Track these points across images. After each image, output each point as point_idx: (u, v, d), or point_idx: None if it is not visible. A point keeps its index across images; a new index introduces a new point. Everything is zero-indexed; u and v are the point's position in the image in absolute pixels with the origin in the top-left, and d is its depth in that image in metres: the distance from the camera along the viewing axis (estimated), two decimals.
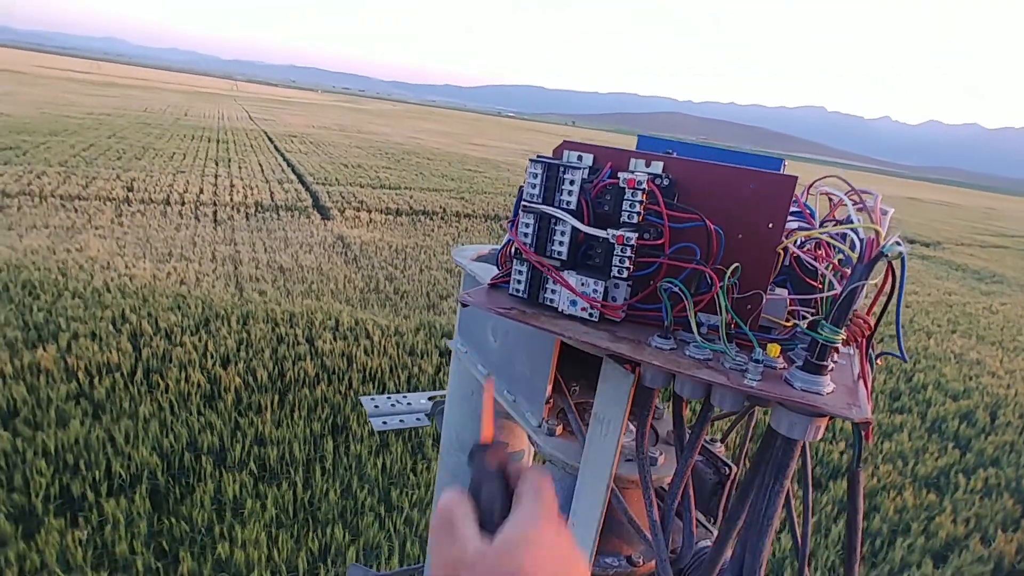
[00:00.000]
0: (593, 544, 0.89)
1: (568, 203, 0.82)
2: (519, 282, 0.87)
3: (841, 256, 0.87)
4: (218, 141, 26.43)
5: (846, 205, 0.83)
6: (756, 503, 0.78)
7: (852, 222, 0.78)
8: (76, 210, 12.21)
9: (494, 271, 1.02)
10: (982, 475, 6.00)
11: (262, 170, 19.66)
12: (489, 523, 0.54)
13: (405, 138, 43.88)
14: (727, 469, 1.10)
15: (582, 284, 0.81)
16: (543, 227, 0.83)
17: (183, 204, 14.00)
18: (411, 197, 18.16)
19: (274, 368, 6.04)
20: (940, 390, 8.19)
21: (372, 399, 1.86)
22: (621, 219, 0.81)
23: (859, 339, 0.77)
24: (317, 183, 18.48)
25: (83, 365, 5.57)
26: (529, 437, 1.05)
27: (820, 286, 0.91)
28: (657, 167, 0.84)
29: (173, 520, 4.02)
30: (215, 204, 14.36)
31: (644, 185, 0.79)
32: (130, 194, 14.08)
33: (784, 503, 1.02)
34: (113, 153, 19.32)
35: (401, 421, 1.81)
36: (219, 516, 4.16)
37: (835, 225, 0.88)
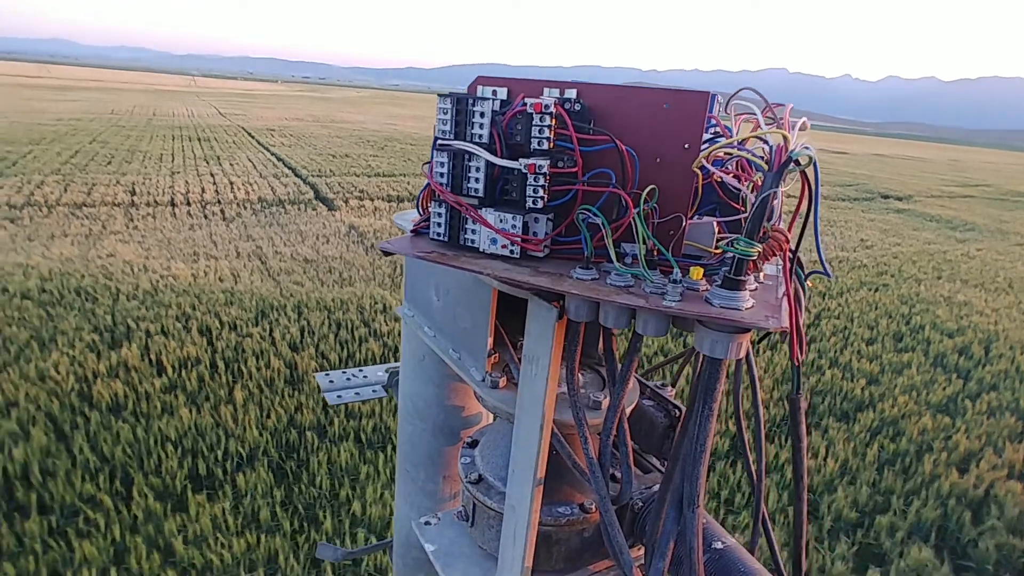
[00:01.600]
0: (533, 490, 0.85)
1: (480, 136, 0.79)
2: (439, 224, 0.84)
3: (760, 175, 0.80)
4: (199, 139, 26.15)
5: (759, 121, 0.80)
6: (690, 430, 0.77)
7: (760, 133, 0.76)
8: (87, 217, 12.28)
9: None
10: (986, 399, 6.73)
11: (254, 166, 19.66)
12: None
13: (381, 124, 43.60)
14: (677, 411, 1.09)
15: (500, 220, 0.78)
16: (457, 165, 0.81)
17: (189, 204, 14.10)
18: (408, 183, 18.40)
19: (342, 350, 6.46)
20: (936, 330, 8.94)
21: (327, 375, 1.83)
22: (532, 147, 0.78)
23: (779, 253, 0.74)
24: (313, 175, 18.58)
25: (168, 360, 5.92)
26: (475, 393, 1.01)
27: (743, 208, 0.88)
28: (570, 93, 0.81)
29: (301, 487, 4.48)
30: (219, 203, 14.47)
31: (552, 109, 0.76)
32: (134, 198, 14.12)
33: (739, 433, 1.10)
34: (101, 158, 19.13)
35: (356, 394, 1.77)
36: (339, 482, 4.62)
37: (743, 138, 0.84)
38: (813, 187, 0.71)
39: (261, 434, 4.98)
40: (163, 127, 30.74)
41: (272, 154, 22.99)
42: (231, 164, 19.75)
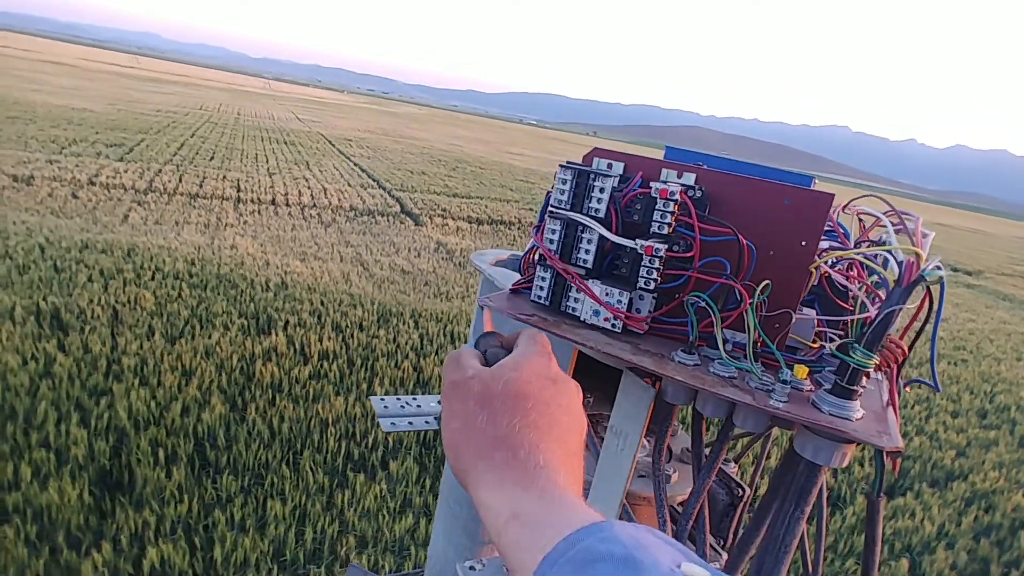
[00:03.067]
0: None
1: (597, 211, 0.80)
2: (541, 288, 0.85)
3: (876, 278, 0.81)
4: (285, 143, 27.68)
5: (884, 226, 0.81)
6: (774, 528, 0.75)
7: (889, 244, 0.75)
8: (203, 208, 13.33)
9: (513, 276, 0.99)
10: None
11: (340, 174, 20.77)
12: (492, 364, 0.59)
13: (447, 144, 45.02)
14: (740, 491, 1.07)
15: (607, 294, 0.79)
16: (569, 234, 0.82)
17: (288, 205, 15.09)
18: (485, 207, 19.16)
19: None
20: (1022, 411, 8.97)
21: (381, 399, 1.83)
22: (651, 230, 0.79)
23: (891, 365, 0.73)
24: (396, 189, 19.54)
25: (310, 350, 6.57)
26: None
27: (851, 308, 0.86)
28: (689, 178, 0.82)
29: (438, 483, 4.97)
30: (315, 207, 15.43)
31: (677, 196, 0.78)
32: (240, 194, 15.20)
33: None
34: (204, 153, 20.55)
35: (410, 424, 1.77)
36: None
37: (871, 246, 0.84)
38: (937, 305, 0.73)
39: None
40: (250, 127, 32.59)
41: (355, 164, 24.19)
42: (320, 170, 20.92)
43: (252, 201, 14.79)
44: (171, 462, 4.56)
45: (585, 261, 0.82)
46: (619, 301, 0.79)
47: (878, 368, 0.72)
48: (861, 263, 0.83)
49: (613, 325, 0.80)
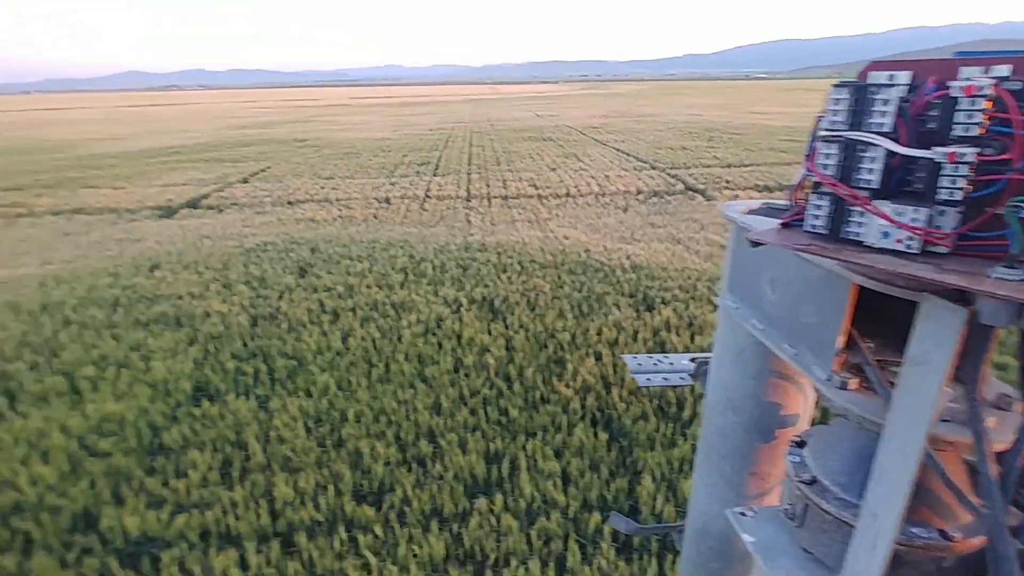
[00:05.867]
0: (903, 502, 0.79)
1: (881, 125, 0.75)
2: (817, 217, 0.79)
3: None
4: (543, 139, 29.72)
5: None
6: None
7: None
8: (517, 207, 15.09)
9: (770, 223, 0.95)
10: None
11: (609, 162, 21.65)
12: None
13: (686, 116, 43.64)
14: None
15: (899, 213, 0.73)
16: (849, 156, 0.76)
17: (582, 196, 16.26)
18: (764, 173, 18.27)
19: None
20: None
21: (635, 357, 1.89)
22: (953, 134, 0.72)
23: None
24: (669, 168, 19.70)
25: (698, 323, 7.11)
26: (817, 390, 0.95)
27: None
28: (1001, 70, 0.72)
29: None
30: (605, 194, 16.38)
31: (988, 91, 0.70)
32: (539, 191, 16.85)
33: None
34: (490, 158, 23.17)
35: (665, 379, 1.79)
36: None
37: None
38: None
39: None
40: (505, 130, 35.65)
41: (616, 149, 24.95)
42: (589, 160, 22.07)
43: (551, 196, 16.29)
44: (643, 417, 5.40)
45: (869, 182, 0.75)
46: (914, 219, 0.71)
47: None
48: None
49: (908, 246, 0.72)
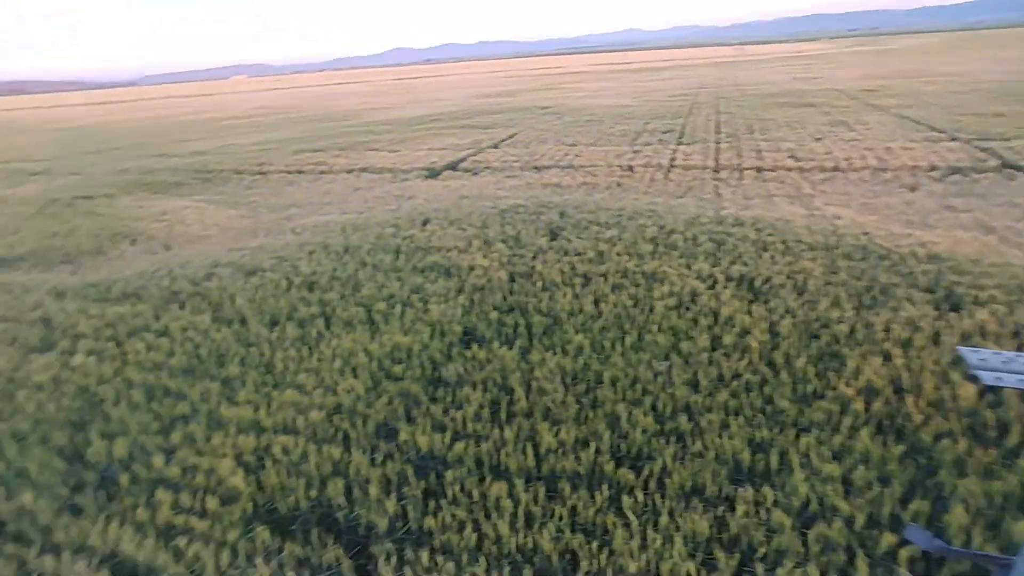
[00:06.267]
0: None
1: None
2: None
3: None
4: (805, 105, 26.48)
5: None
6: None
7: None
8: (773, 180, 13.71)
9: None
10: None
11: (892, 131, 18.45)
12: None
13: (999, 74, 35.00)
14: None
15: None
16: None
17: (855, 171, 14.15)
18: None
19: None
20: None
21: (975, 351, 1.71)
22: None
23: None
24: (978, 139, 16.10)
25: None
26: None
27: None
28: None
29: None
30: (885, 169, 14.01)
31: None
32: (800, 163, 15.10)
33: None
34: (741, 127, 21.45)
35: (1022, 380, 1.55)
36: None
37: None
38: None
39: None
40: (756, 95, 32.55)
41: (901, 116, 21.18)
42: (864, 128, 19.08)
43: (816, 170, 14.49)
44: (948, 435, 4.53)
45: None
46: None
47: None
48: None
49: None
